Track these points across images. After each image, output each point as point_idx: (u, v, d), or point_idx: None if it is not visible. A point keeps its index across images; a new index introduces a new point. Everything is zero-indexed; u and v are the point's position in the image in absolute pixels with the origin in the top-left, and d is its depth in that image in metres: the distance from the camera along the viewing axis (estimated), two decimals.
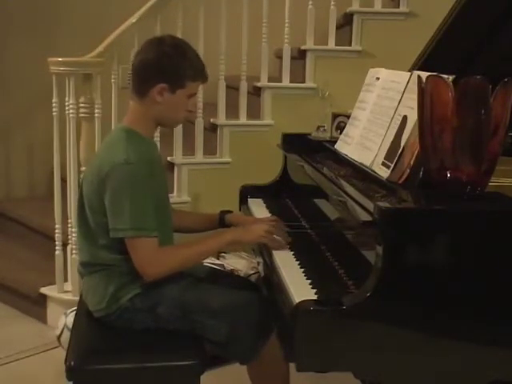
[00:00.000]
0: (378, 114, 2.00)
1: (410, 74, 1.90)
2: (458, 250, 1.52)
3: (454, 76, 1.63)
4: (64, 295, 3.12)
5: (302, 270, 1.83)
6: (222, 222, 2.28)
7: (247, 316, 1.93)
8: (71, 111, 2.95)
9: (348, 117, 2.29)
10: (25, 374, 2.74)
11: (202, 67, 2.00)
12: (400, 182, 1.73)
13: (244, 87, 3.46)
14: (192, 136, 3.40)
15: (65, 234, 3.10)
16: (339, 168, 2.12)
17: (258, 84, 3.53)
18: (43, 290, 3.18)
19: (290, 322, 1.54)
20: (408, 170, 1.72)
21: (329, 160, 2.25)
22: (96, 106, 2.96)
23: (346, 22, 3.74)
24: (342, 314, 1.50)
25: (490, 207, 1.58)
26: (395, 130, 1.84)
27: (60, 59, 2.92)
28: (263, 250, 2.09)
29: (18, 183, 4.10)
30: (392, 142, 1.84)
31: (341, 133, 2.28)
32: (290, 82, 3.55)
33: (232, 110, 3.49)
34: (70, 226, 3.04)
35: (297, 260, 1.92)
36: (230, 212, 2.33)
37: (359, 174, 1.96)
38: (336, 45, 3.62)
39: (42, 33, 3.88)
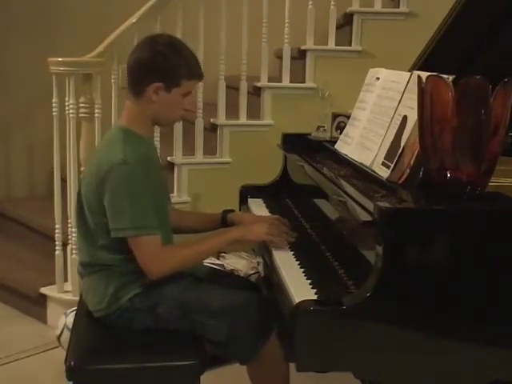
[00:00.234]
0: (378, 114, 2.00)
1: (410, 74, 1.90)
2: (458, 250, 1.52)
3: (454, 76, 1.63)
4: (64, 295, 3.12)
5: (302, 270, 1.83)
6: (224, 221, 2.28)
7: (247, 316, 1.93)
8: (71, 111, 2.95)
9: (348, 117, 2.29)
10: (25, 374, 2.74)
11: (198, 65, 1.99)
12: (400, 181, 1.73)
13: (244, 87, 3.46)
14: (192, 136, 3.40)
15: (65, 234, 3.10)
16: (339, 168, 2.12)
17: (258, 84, 3.53)
18: (43, 290, 3.18)
19: (290, 322, 1.54)
20: (408, 170, 1.72)
21: (329, 160, 2.25)
22: (96, 106, 2.96)
23: (346, 22, 3.74)
24: (342, 314, 1.50)
25: (490, 207, 1.58)
26: (395, 130, 1.84)
27: (60, 59, 2.92)
28: (263, 250, 2.09)
29: (18, 183, 4.10)
30: (392, 142, 1.84)
31: (341, 133, 2.28)
32: (290, 81, 3.55)
33: (232, 110, 3.49)
34: (70, 225, 3.04)
35: (297, 260, 1.92)
36: (232, 211, 2.33)
37: (359, 174, 1.96)
38: (336, 45, 3.62)
39: (42, 33, 3.88)
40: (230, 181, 3.17)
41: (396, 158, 1.78)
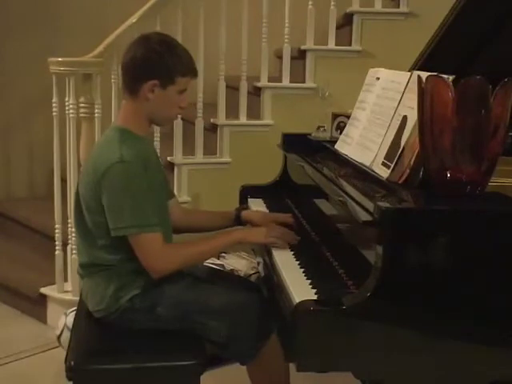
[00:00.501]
0: (378, 114, 2.00)
1: (410, 74, 1.90)
2: (458, 250, 1.52)
3: (453, 76, 1.63)
4: (64, 295, 3.12)
5: (302, 270, 1.83)
6: (238, 218, 2.27)
7: (247, 316, 1.93)
8: (71, 111, 2.95)
9: (348, 117, 2.29)
10: (25, 373, 2.74)
11: (192, 62, 1.99)
12: (400, 181, 1.73)
13: (244, 87, 3.46)
14: (192, 136, 3.40)
15: (65, 234, 3.10)
16: (339, 168, 2.12)
17: (258, 84, 3.53)
18: (43, 290, 3.18)
19: (290, 322, 1.54)
20: (408, 170, 1.72)
21: (329, 160, 2.25)
22: (96, 106, 2.96)
23: (346, 22, 3.74)
24: (342, 314, 1.50)
25: (490, 207, 1.58)
26: (395, 130, 1.84)
27: (60, 59, 2.92)
28: (263, 251, 2.09)
29: (18, 183, 4.10)
30: (392, 142, 1.84)
31: (341, 133, 2.28)
32: (290, 82, 3.55)
33: (232, 110, 3.49)
34: (70, 225, 3.04)
35: (297, 260, 1.92)
36: (245, 209, 2.33)
37: (359, 174, 1.96)
38: (336, 45, 3.62)
39: (42, 33, 3.88)
40: (230, 181, 3.17)
41: (396, 158, 1.78)
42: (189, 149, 3.42)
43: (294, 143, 2.55)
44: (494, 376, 1.58)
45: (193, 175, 3.41)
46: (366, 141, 2.01)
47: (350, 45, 3.67)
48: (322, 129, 2.52)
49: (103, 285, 1.98)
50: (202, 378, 1.90)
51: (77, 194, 2.04)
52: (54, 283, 3.15)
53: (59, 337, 2.63)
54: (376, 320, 1.51)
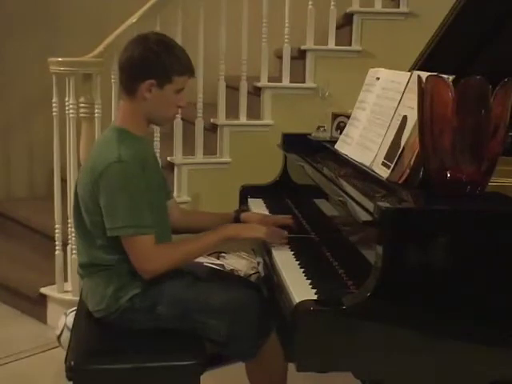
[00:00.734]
0: (378, 114, 2.00)
1: (410, 74, 1.90)
2: (458, 250, 1.52)
3: (453, 76, 1.63)
4: (64, 295, 3.12)
5: (302, 270, 1.83)
6: (237, 220, 2.27)
7: (247, 316, 1.93)
8: (71, 111, 2.95)
9: (348, 117, 2.29)
10: (25, 373, 2.74)
11: (189, 61, 1.99)
12: (400, 181, 1.73)
13: (244, 87, 3.46)
14: (192, 136, 3.40)
15: (65, 234, 3.10)
16: (339, 168, 2.12)
17: (258, 84, 3.53)
18: (43, 290, 3.18)
19: (290, 322, 1.54)
20: (408, 170, 1.72)
21: (329, 160, 2.25)
22: (96, 106, 2.96)
23: (346, 22, 3.74)
24: (342, 314, 1.50)
25: (490, 207, 1.58)
26: (395, 130, 1.84)
27: (60, 59, 2.92)
28: (263, 250, 2.09)
29: (18, 183, 4.10)
30: (392, 142, 1.84)
31: (341, 133, 2.28)
32: (290, 82, 3.55)
33: (232, 110, 3.49)
34: (70, 226, 3.04)
35: (297, 260, 1.92)
36: (244, 210, 2.34)
37: (359, 174, 1.96)
38: (336, 45, 3.62)
39: (42, 33, 3.88)
40: (229, 181, 3.17)
41: (396, 157, 1.78)
42: (189, 149, 3.42)
43: (294, 143, 2.55)
44: (494, 376, 1.58)
45: (193, 175, 3.41)
46: (366, 141, 2.01)
47: (350, 45, 3.66)
48: (322, 129, 2.52)
49: (103, 285, 1.98)
50: (202, 378, 1.90)
51: (76, 194, 2.04)
52: (54, 283, 3.15)
53: (59, 337, 2.63)
54: (376, 320, 1.51)
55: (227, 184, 3.15)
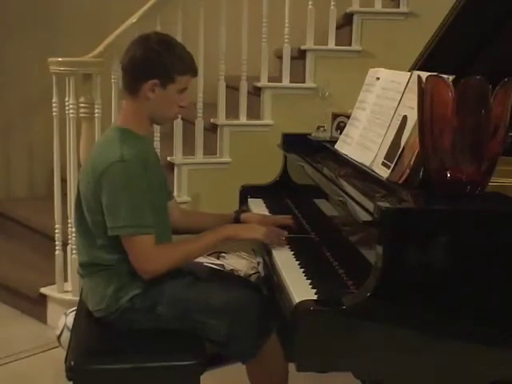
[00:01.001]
0: (378, 114, 2.00)
1: (410, 74, 1.90)
2: (458, 250, 1.52)
3: (453, 76, 1.63)
4: (64, 295, 3.12)
5: (302, 270, 1.83)
6: (237, 221, 2.27)
7: (247, 316, 1.93)
8: (71, 111, 2.95)
9: (348, 117, 2.29)
10: (25, 373, 2.74)
11: (191, 61, 2.00)
12: (400, 181, 1.73)
13: (244, 87, 3.46)
14: (192, 136, 3.40)
15: (65, 233, 3.10)
16: (339, 168, 2.12)
17: (258, 84, 3.53)
18: (43, 290, 3.18)
19: (290, 322, 1.54)
20: (408, 170, 1.72)
21: (329, 160, 2.25)
22: (96, 106, 2.96)
23: (346, 22, 3.74)
24: (342, 314, 1.50)
25: (490, 207, 1.58)
26: (395, 130, 1.84)
27: (60, 59, 2.92)
28: (263, 250, 2.09)
29: (18, 183, 4.10)
30: (392, 141, 1.84)
31: (341, 133, 2.28)
32: (290, 82, 3.55)
33: (232, 110, 3.49)
34: (70, 225, 3.04)
35: (297, 260, 1.92)
36: (244, 211, 2.34)
37: (359, 174, 1.96)
38: (336, 45, 3.62)
39: (42, 33, 3.88)
40: (230, 181, 3.17)
41: (396, 157, 1.78)
42: (189, 149, 3.42)
43: (294, 143, 2.55)
44: (494, 376, 1.58)
45: (193, 175, 3.41)
46: (366, 141, 2.01)
47: (350, 45, 3.66)
48: (322, 129, 2.52)
49: (103, 285, 1.98)
50: (202, 378, 1.90)
51: (78, 193, 2.04)
52: (54, 283, 3.15)
53: (59, 337, 2.63)
54: (376, 320, 1.51)
55: (227, 184, 3.15)
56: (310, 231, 2.18)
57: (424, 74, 1.63)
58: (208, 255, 2.89)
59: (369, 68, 2.23)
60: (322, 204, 2.14)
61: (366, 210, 1.61)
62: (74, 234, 3.00)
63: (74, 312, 2.23)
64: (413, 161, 1.71)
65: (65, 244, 3.12)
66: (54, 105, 3.01)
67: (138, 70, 1.95)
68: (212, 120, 3.50)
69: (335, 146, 2.24)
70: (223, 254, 3.14)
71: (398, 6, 3.70)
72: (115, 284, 1.96)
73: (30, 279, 3.29)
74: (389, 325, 1.52)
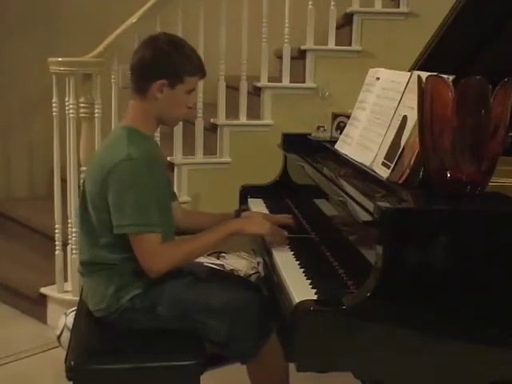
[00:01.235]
0: (378, 114, 2.00)
1: (410, 74, 1.90)
2: (458, 250, 1.52)
3: (453, 76, 1.63)
4: (64, 295, 3.12)
5: (302, 270, 1.83)
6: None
7: (247, 316, 1.93)
8: (71, 111, 2.95)
9: (348, 117, 2.29)
10: (25, 373, 2.74)
11: (200, 62, 2.01)
12: (400, 181, 1.73)
13: (244, 87, 3.46)
14: (192, 136, 3.40)
15: (65, 233, 3.10)
16: (339, 168, 2.11)
17: (258, 84, 3.53)
18: (43, 290, 3.18)
19: (290, 322, 1.54)
20: (408, 170, 1.72)
21: (329, 160, 2.25)
22: (96, 106, 2.96)
23: (346, 21, 3.74)
24: (342, 314, 1.50)
25: (490, 207, 1.58)
26: (395, 130, 1.84)
27: (60, 59, 2.92)
28: (263, 250, 2.09)
29: (18, 183, 4.10)
30: (392, 141, 1.84)
31: (341, 133, 2.28)
32: (290, 82, 3.55)
33: (232, 110, 3.49)
34: (70, 226, 3.04)
35: (297, 260, 1.92)
36: (245, 210, 2.34)
37: (359, 174, 1.96)
38: (336, 45, 3.62)
39: (42, 33, 3.88)
40: (230, 181, 3.17)
41: (396, 157, 1.78)
42: (189, 149, 3.42)
43: (294, 143, 2.55)
44: (494, 376, 1.57)
45: (193, 175, 3.41)
46: (366, 141, 2.01)
47: (350, 45, 3.66)
48: (322, 129, 2.52)
49: (104, 284, 1.98)
50: (202, 378, 1.90)
51: (83, 191, 2.05)
52: (54, 283, 3.15)
53: (59, 337, 2.63)
54: (376, 320, 1.51)
55: (227, 184, 3.15)
56: (310, 231, 2.18)
57: (424, 74, 1.63)
58: (208, 255, 2.89)
59: (369, 68, 2.23)
60: (322, 204, 2.14)
61: (366, 210, 1.61)
62: (74, 234, 3.01)
63: (74, 312, 2.23)
64: (413, 161, 1.71)
65: (65, 244, 3.12)
66: (53, 105, 3.01)
67: (146, 70, 1.96)
68: (212, 120, 3.50)
69: (335, 146, 2.24)
70: (223, 254, 3.14)
71: (398, 6, 3.70)
72: (116, 284, 1.96)
73: (30, 279, 3.29)
74: (389, 325, 1.52)
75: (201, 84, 3.29)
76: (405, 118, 1.81)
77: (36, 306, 3.21)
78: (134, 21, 3.09)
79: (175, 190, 3.33)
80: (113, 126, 3.06)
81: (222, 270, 2.63)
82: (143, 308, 1.96)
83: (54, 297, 3.15)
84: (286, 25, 3.50)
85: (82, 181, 2.85)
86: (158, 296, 1.96)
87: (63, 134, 3.00)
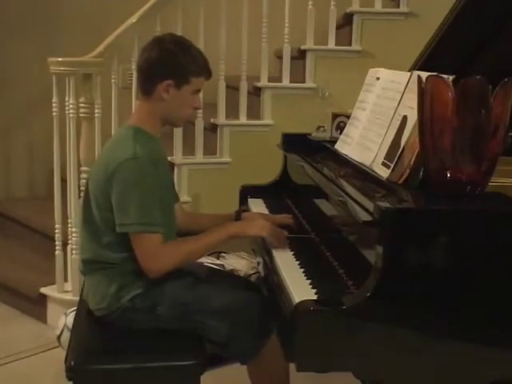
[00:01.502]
0: (378, 114, 2.00)
1: (410, 74, 1.90)
2: (458, 250, 1.52)
3: (453, 76, 1.63)
4: (64, 295, 3.12)
5: (302, 270, 1.83)
6: (237, 220, 2.27)
7: (247, 316, 1.93)
8: (71, 111, 2.95)
9: (348, 117, 2.29)
10: (25, 373, 2.74)
11: (206, 63, 2.03)
12: (400, 181, 1.73)
13: (244, 87, 3.46)
14: (192, 136, 3.40)
15: (65, 233, 3.10)
16: (339, 168, 2.11)
17: (258, 84, 3.53)
18: (43, 290, 3.18)
19: (290, 322, 1.54)
20: (408, 170, 1.72)
21: (329, 160, 2.25)
22: (96, 106, 2.96)
23: (346, 21, 3.74)
24: (342, 314, 1.50)
25: (490, 207, 1.58)
26: (395, 130, 1.84)
27: (60, 59, 2.92)
28: (263, 250, 2.09)
29: (18, 183, 4.10)
30: (392, 141, 1.84)
31: (341, 133, 2.28)
32: (290, 82, 3.55)
33: (232, 110, 3.49)
34: (70, 225, 3.04)
35: (297, 260, 1.92)
36: (245, 211, 2.34)
37: (359, 174, 1.96)
38: (336, 45, 3.62)
39: (41, 33, 3.88)
40: (230, 181, 3.17)
41: (396, 157, 1.78)
42: (189, 149, 3.42)
43: (294, 143, 2.55)
44: (494, 376, 1.57)
45: (193, 175, 3.41)
46: (366, 141, 2.01)
47: (350, 45, 3.66)
48: (322, 129, 2.52)
49: (105, 283, 1.98)
50: (202, 378, 1.90)
51: (86, 190, 2.05)
52: (54, 283, 3.15)
53: (59, 337, 2.63)
54: (376, 320, 1.51)
55: (227, 184, 3.15)
56: (310, 231, 2.19)
57: (424, 74, 1.63)
58: (208, 255, 2.89)
59: (369, 68, 2.23)
60: (322, 204, 2.14)
61: (366, 210, 1.61)
62: (74, 234, 3.01)
63: (74, 312, 2.23)
64: (413, 161, 1.71)
65: (65, 244, 3.11)
66: (54, 105, 3.01)
67: (153, 71, 1.97)
68: (212, 120, 3.50)
69: (335, 146, 2.24)
70: (223, 254, 3.14)
71: (398, 6, 3.70)
72: (117, 283, 1.96)
73: (30, 279, 3.29)
74: (389, 325, 1.52)
75: None
76: (405, 117, 1.81)
77: (36, 305, 3.21)
78: (134, 21, 3.09)
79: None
80: (113, 126, 3.07)
81: (222, 270, 2.64)
82: (143, 308, 1.96)
83: (53, 297, 3.15)
84: (286, 25, 3.50)
85: (83, 180, 2.86)
86: (158, 296, 1.96)
87: (63, 134, 3.00)
